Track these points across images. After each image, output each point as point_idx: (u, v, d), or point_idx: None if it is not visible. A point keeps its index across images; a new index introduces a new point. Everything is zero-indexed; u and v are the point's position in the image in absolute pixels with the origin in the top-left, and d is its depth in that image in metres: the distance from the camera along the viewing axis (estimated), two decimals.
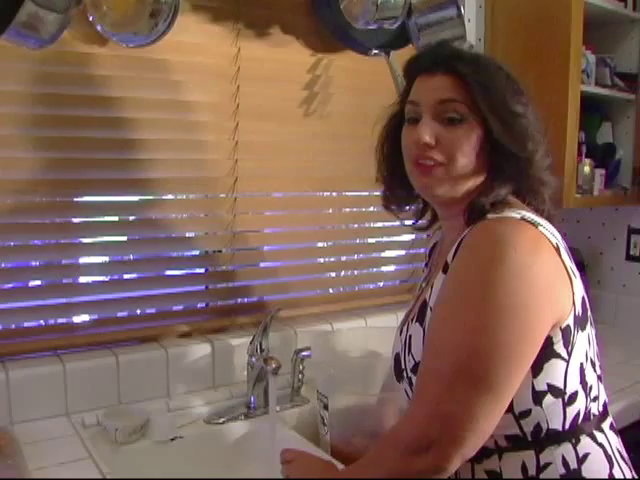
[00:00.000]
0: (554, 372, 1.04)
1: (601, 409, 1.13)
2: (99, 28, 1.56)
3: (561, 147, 2.16)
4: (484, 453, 1.06)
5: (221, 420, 1.65)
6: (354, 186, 2.16)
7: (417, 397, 1.06)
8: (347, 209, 2.22)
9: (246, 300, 2.00)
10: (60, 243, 1.69)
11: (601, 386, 1.15)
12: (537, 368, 1.03)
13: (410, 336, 1.18)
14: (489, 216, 1.08)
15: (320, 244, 2.17)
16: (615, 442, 1.14)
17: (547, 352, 1.03)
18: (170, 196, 1.83)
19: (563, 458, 1.05)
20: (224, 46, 1.82)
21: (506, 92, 1.12)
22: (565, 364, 1.05)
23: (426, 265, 1.42)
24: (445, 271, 1.12)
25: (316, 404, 1.64)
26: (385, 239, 2.29)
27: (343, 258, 2.23)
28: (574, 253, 2.82)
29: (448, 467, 0.98)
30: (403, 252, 2.35)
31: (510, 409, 1.03)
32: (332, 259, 2.20)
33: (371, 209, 2.23)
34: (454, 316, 1.03)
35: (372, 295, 2.27)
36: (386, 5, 1.72)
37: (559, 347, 1.04)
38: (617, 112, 2.54)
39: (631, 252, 2.66)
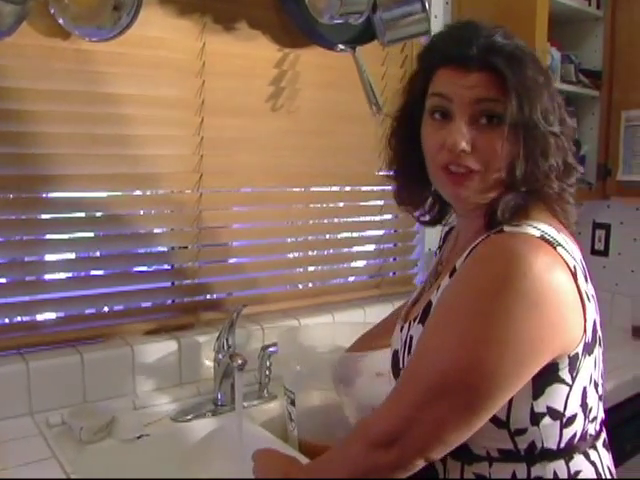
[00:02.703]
0: (555, 396, 1.01)
1: (597, 428, 1.10)
2: (61, 21, 1.53)
3: None
4: (474, 458, 1.06)
5: (188, 417, 1.65)
6: (322, 181, 2.16)
7: (394, 396, 1.03)
8: (316, 205, 2.21)
9: (214, 296, 1.99)
10: (24, 240, 1.67)
11: (600, 405, 1.11)
12: (538, 391, 0.99)
13: (411, 337, 1.14)
14: (506, 228, 1.00)
15: (289, 239, 2.17)
16: (607, 459, 1.11)
17: (551, 377, 1.00)
18: (137, 192, 1.81)
19: (554, 473, 1.03)
20: (189, 40, 1.81)
21: (547, 103, 1.05)
22: (568, 389, 1.01)
23: (439, 249, 1.37)
24: (452, 275, 1.08)
25: (284, 400, 1.64)
26: (355, 234, 2.29)
27: (311, 253, 2.22)
28: None
29: (408, 467, 0.98)
30: (372, 247, 2.35)
31: (506, 426, 1.01)
32: (300, 254, 2.20)
33: (343, 205, 2.23)
34: (449, 327, 0.99)
35: (340, 290, 2.27)
36: (351, 0, 1.72)
37: (564, 373, 1.00)
38: (582, 108, 2.58)
39: (596, 246, 2.70)
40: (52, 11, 1.53)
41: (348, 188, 2.23)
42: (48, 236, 1.70)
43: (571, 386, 1.01)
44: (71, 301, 1.73)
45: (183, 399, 1.72)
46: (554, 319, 0.96)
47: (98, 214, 1.75)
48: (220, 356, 1.68)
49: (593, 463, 1.07)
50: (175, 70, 1.80)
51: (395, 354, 1.21)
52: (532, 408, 1.00)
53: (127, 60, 1.70)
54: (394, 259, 2.45)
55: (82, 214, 1.73)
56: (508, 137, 1.02)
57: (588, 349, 1.02)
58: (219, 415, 1.68)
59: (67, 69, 1.63)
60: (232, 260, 2.07)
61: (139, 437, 1.54)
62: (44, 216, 1.69)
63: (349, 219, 2.27)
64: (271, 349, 1.78)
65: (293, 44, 2.00)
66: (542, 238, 0.98)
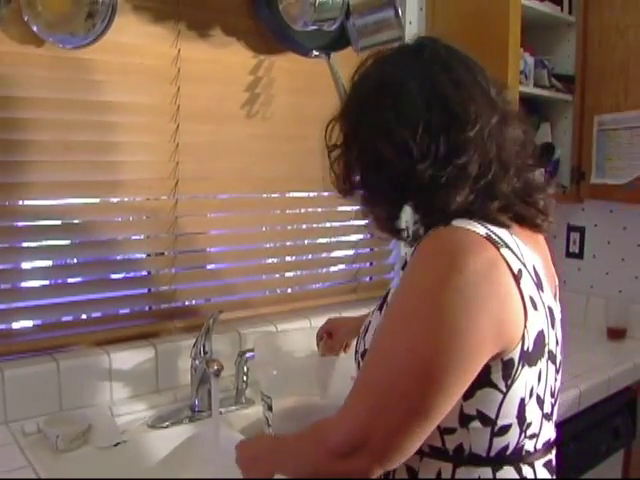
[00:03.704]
0: (486, 401, 0.99)
1: (540, 447, 1.07)
2: (35, 28, 1.53)
3: None
4: None
5: (165, 424, 1.64)
6: (298, 187, 2.17)
7: (349, 403, 1.03)
8: (292, 210, 2.22)
9: (194, 302, 1.99)
10: (0, 247, 1.65)
11: (547, 425, 1.08)
12: (468, 393, 0.98)
13: (370, 322, 1.16)
14: (454, 222, 1.00)
15: (266, 245, 2.17)
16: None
17: (482, 380, 0.98)
18: (113, 199, 1.81)
19: (479, 478, 1.02)
20: (164, 47, 1.81)
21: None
22: (501, 396, 0.99)
23: None
24: (404, 268, 1.07)
25: (261, 405, 1.64)
26: (332, 239, 2.30)
27: (288, 259, 2.23)
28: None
29: (368, 475, 0.99)
30: (351, 252, 2.36)
31: None
32: (277, 260, 2.21)
33: (319, 210, 2.24)
34: (395, 326, 1.00)
35: (317, 296, 2.28)
36: (324, 6, 1.73)
37: (497, 378, 0.98)
38: (555, 113, 2.61)
39: (571, 249, 2.73)
40: (26, 18, 1.52)
41: (325, 194, 2.24)
42: (24, 244, 1.69)
43: (505, 394, 0.99)
44: (47, 309, 1.72)
45: (160, 406, 1.72)
46: (491, 316, 0.95)
47: (74, 221, 1.75)
48: (197, 362, 1.68)
49: (524, 478, 1.04)
50: (150, 77, 1.80)
51: (357, 340, 1.22)
52: (462, 409, 1.00)
53: (102, 67, 1.70)
54: (370, 264, 2.46)
55: (58, 221, 1.73)
56: None
57: (527, 359, 1.00)
58: (196, 421, 1.68)
59: (41, 76, 1.63)
60: (209, 266, 2.07)
61: (116, 444, 1.53)
62: (19, 223, 1.68)
63: (326, 224, 2.27)
64: (248, 354, 1.78)
65: (268, 50, 2.01)
66: (487, 237, 0.98)
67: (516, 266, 0.98)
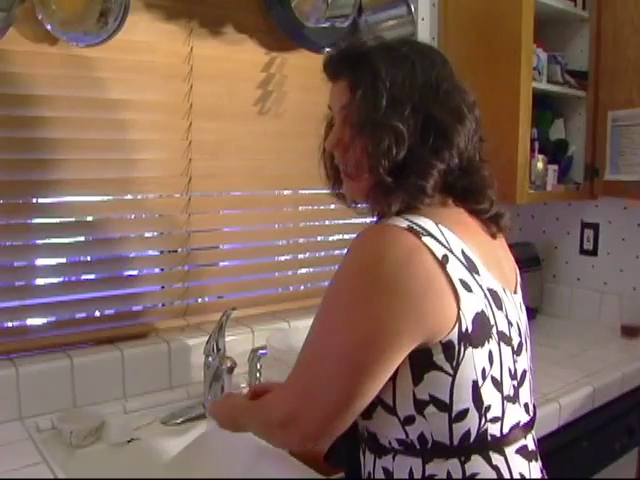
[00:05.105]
0: (436, 384, 1.02)
1: (506, 431, 1.07)
2: (49, 27, 1.54)
3: (514, 143, 2.20)
4: (382, 450, 1.10)
5: (178, 421, 1.65)
6: (310, 184, 2.16)
7: (287, 381, 1.12)
8: (304, 207, 2.22)
9: (206, 299, 2.00)
10: (14, 245, 1.67)
11: (512, 407, 1.09)
12: (417, 377, 1.02)
13: None
14: (381, 222, 1.10)
15: (279, 242, 2.17)
16: (520, 467, 1.08)
17: (427, 363, 1.01)
18: (127, 196, 1.82)
19: (448, 472, 1.04)
20: (177, 45, 1.81)
21: (387, 102, 1.08)
22: (450, 378, 1.02)
23: None
24: None
25: None
26: (345, 236, 2.30)
27: (301, 256, 2.23)
28: (529, 248, 2.83)
29: (301, 447, 1.22)
30: None
31: (394, 412, 1.05)
32: (290, 257, 2.21)
33: (331, 207, 2.23)
34: (321, 317, 1.07)
35: None
36: (336, 3, 1.73)
37: (440, 360, 1.01)
38: (569, 109, 2.59)
39: (584, 246, 2.72)
40: (39, 17, 1.53)
41: None
42: (38, 241, 1.70)
43: (453, 376, 1.02)
44: (62, 305, 1.73)
45: (173, 402, 1.72)
46: (410, 302, 0.99)
47: (87, 219, 1.76)
48: (210, 359, 1.69)
49: (495, 467, 1.05)
50: (163, 74, 1.81)
51: None
52: (414, 394, 1.03)
53: (115, 65, 1.71)
54: None
55: (72, 219, 1.74)
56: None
57: (469, 340, 1.02)
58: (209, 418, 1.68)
59: (55, 75, 1.64)
60: (222, 263, 2.08)
61: (129, 441, 1.54)
62: (34, 221, 1.70)
63: (339, 221, 2.27)
64: (261, 351, 1.78)
65: (280, 48, 2.01)
66: (408, 228, 1.03)
67: (440, 252, 1.02)
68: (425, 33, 2.38)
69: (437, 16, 2.43)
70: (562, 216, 2.77)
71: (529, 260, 2.65)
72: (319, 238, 2.27)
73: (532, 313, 2.68)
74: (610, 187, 2.48)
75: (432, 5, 2.41)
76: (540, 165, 2.38)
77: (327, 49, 1.92)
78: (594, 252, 2.69)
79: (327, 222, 2.26)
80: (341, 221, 2.27)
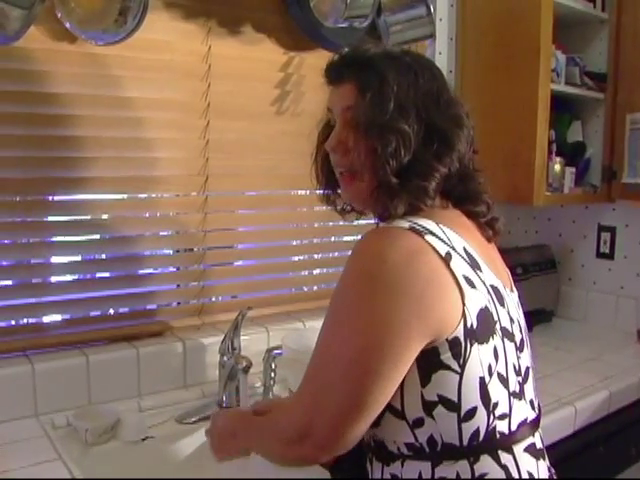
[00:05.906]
0: (444, 383, 1.02)
1: (514, 428, 1.07)
2: (68, 25, 1.55)
3: (531, 145, 2.19)
4: (390, 457, 1.10)
5: (193, 419, 1.65)
6: None
7: (296, 393, 1.12)
8: (319, 207, 2.21)
9: (219, 299, 2.00)
10: (30, 242, 1.68)
11: (519, 404, 1.09)
12: (425, 378, 1.02)
13: None
14: (380, 225, 1.12)
15: (294, 242, 2.17)
16: (529, 466, 1.08)
17: (435, 363, 1.02)
18: (143, 195, 1.82)
19: (457, 474, 1.03)
20: (195, 44, 1.82)
21: (394, 104, 1.09)
22: (457, 377, 1.02)
23: None
24: None
25: None
26: (359, 237, 2.29)
27: (316, 256, 2.23)
28: (545, 250, 2.82)
29: (314, 462, 1.12)
30: None
31: (403, 416, 1.05)
32: (305, 257, 2.20)
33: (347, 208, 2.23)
34: (328, 321, 1.07)
35: None
36: (355, 3, 1.73)
37: (447, 358, 1.01)
38: (587, 111, 2.57)
39: (601, 249, 2.70)
40: (59, 15, 1.54)
41: None
42: (54, 238, 1.71)
43: (460, 374, 1.02)
44: (77, 303, 1.74)
45: (188, 401, 1.72)
46: (416, 302, 1.00)
47: (104, 216, 1.76)
48: (225, 358, 1.69)
49: (504, 467, 1.05)
50: (181, 73, 1.81)
51: None
52: (422, 396, 1.03)
53: (133, 63, 1.71)
54: None
55: (88, 216, 1.74)
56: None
57: (474, 336, 1.02)
58: None
59: (74, 73, 1.64)
60: (237, 263, 2.08)
61: (144, 439, 1.54)
62: (50, 218, 1.70)
63: (353, 222, 2.25)
64: (276, 351, 1.78)
65: (298, 47, 2.01)
66: (410, 228, 1.04)
67: (443, 250, 1.04)
68: (443, 34, 2.37)
69: (455, 17, 2.42)
70: (579, 219, 2.75)
71: (545, 263, 2.63)
72: (333, 238, 2.26)
73: (548, 316, 2.67)
74: (628, 190, 2.46)
75: (450, 6, 2.41)
76: (557, 167, 2.36)
77: (346, 49, 1.92)
78: (611, 255, 2.67)
79: (342, 222, 2.25)
80: (355, 222, 2.26)
